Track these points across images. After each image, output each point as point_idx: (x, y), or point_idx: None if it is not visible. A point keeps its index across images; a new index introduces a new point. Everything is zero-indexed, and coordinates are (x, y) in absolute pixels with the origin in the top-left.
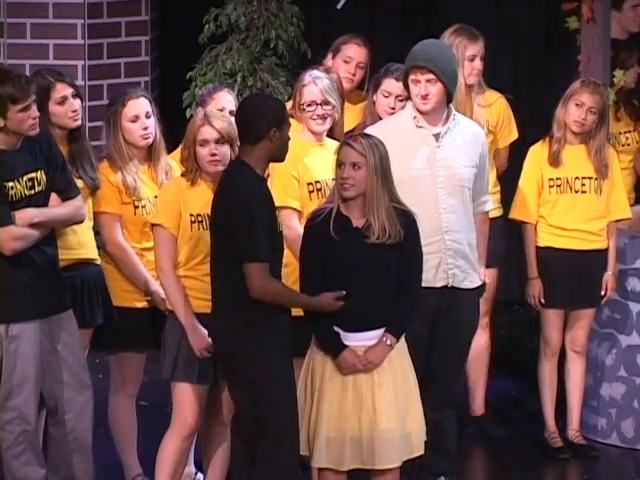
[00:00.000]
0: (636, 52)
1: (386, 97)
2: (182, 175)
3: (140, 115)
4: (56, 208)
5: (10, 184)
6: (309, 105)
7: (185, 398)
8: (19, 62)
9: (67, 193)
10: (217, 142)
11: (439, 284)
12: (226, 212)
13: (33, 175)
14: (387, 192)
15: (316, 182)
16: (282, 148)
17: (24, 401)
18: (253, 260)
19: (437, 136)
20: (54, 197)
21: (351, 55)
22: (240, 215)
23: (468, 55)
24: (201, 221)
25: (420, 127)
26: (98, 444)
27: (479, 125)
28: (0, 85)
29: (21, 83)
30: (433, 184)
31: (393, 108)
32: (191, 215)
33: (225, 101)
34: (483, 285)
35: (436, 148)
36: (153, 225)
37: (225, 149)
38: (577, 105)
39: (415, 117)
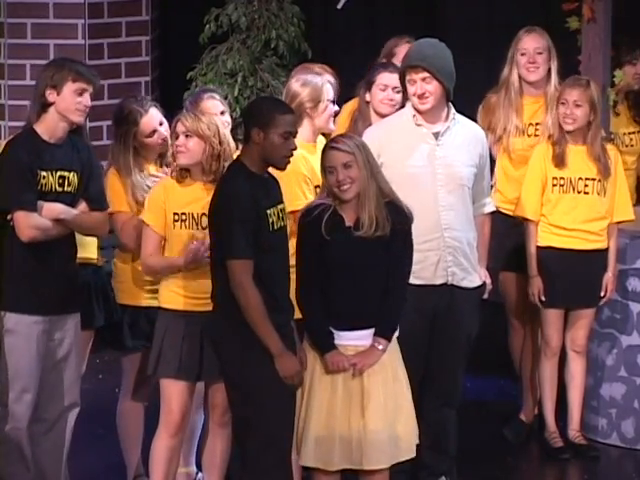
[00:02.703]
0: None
1: (383, 90)
2: (170, 173)
3: (157, 128)
4: (83, 214)
5: (43, 173)
6: (332, 102)
7: (170, 394)
8: (19, 62)
9: (97, 204)
10: (186, 135)
11: (438, 281)
12: (212, 210)
13: (65, 174)
14: (374, 181)
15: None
16: (269, 152)
17: (14, 398)
18: (231, 256)
19: (437, 135)
20: (83, 205)
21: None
22: (220, 212)
23: (520, 49)
24: (184, 220)
25: (419, 125)
26: (98, 444)
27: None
28: (70, 62)
29: (89, 70)
30: (432, 182)
31: (392, 99)
32: (174, 214)
33: (212, 107)
34: (483, 285)
35: (436, 146)
36: (142, 222)
37: (192, 143)
38: (563, 103)
39: (414, 116)
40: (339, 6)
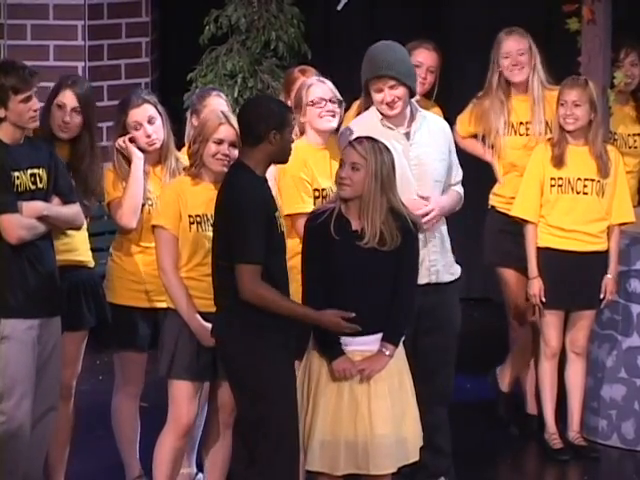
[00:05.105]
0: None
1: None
2: (184, 169)
3: (142, 122)
4: (62, 207)
5: (16, 174)
6: (317, 102)
7: (181, 396)
8: None
9: (68, 197)
10: (231, 144)
11: (422, 281)
12: (223, 213)
13: (36, 171)
14: (385, 198)
15: (322, 189)
16: (283, 151)
17: (15, 404)
18: (244, 261)
19: (407, 134)
20: (57, 200)
21: (421, 60)
22: (234, 216)
23: (503, 52)
24: (200, 222)
25: (389, 128)
26: (98, 445)
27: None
28: (3, 75)
29: (24, 74)
30: (411, 182)
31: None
32: (190, 216)
33: (218, 105)
34: (460, 278)
35: (409, 146)
36: (154, 226)
37: (236, 153)
38: (562, 105)
39: (382, 119)
40: (339, 7)
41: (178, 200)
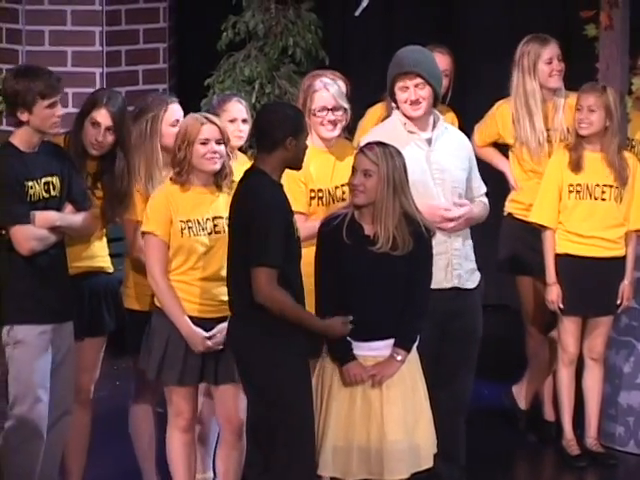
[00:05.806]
0: None
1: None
2: (171, 179)
3: (180, 119)
4: (75, 216)
5: (30, 184)
6: (320, 111)
7: (177, 398)
8: None
9: (82, 204)
10: (217, 142)
11: (449, 285)
12: (242, 219)
13: (49, 179)
14: (398, 203)
15: (318, 190)
16: (298, 157)
17: (28, 408)
18: (262, 264)
19: (429, 141)
20: (70, 207)
21: None
22: (255, 220)
23: (545, 59)
24: (191, 227)
25: (412, 132)
26: (116, 450)
27: (562, 130)
28: (32, 80)
29: (51, 79)
30: (433, 187)
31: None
32: (181, 222)
33: (237, 111)
34: (480, 283)
35: (430, 152)
36: (143, 233)
37: (223, 149)
38: (578, 110)
39: (405, 123)
40: (357, 13)
41: (168, 206)
